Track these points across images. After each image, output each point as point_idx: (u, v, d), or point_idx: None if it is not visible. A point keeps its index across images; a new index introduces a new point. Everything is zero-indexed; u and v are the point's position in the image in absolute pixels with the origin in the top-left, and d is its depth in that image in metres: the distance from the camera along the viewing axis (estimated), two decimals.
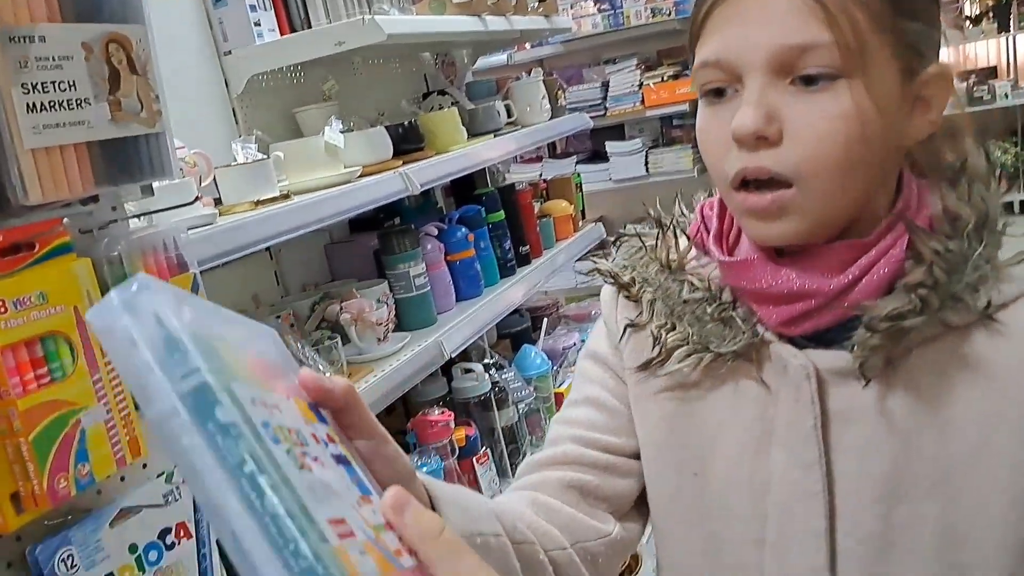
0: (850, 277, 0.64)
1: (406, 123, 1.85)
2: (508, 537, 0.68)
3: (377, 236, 1.83)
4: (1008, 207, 6.19)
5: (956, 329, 0.64)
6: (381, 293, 1.71)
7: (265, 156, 1.53)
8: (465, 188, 2.36)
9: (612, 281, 0.79)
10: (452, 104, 2.20)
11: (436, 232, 1.92)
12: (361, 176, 1.63)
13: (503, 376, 2.04)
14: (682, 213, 0.80)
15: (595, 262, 0.81)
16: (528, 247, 2.23)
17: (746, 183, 0.64)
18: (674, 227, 0.77)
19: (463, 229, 1.97)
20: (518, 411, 2.05)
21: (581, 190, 2.65)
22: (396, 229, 1.81)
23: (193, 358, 0.37)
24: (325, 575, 0.34)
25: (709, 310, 0.71)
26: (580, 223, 2.62)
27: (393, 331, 1.70)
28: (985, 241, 0.64)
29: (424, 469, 1.67)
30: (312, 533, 0.36)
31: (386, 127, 1.78)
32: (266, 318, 1.61)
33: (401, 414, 1.94)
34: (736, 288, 0.71)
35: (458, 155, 1.88)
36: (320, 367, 1.51)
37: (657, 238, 0.77)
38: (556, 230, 2.43)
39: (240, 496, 0.35)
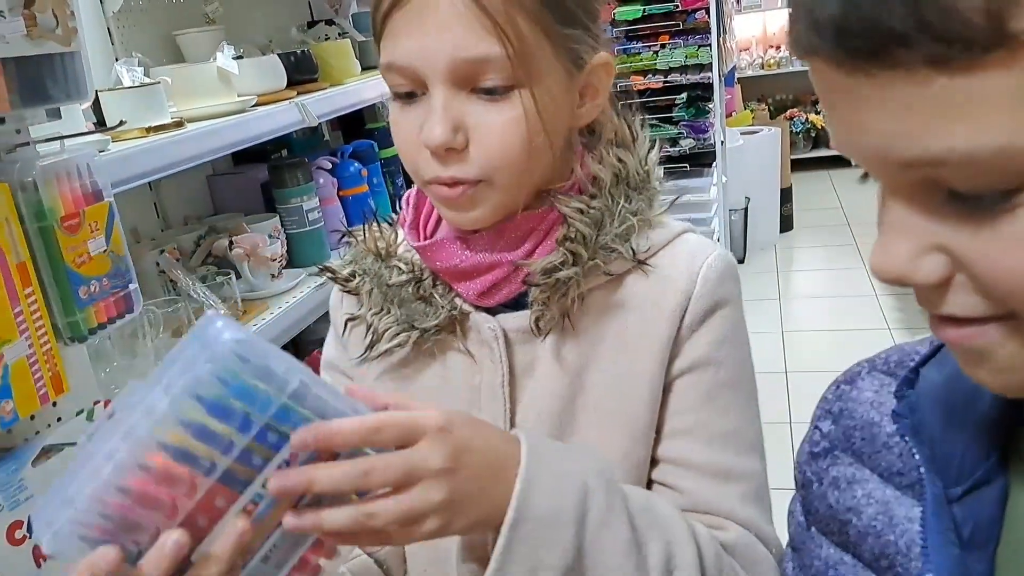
0: (527, 247, 0.71)
1: (299, 52, 1.78)
2: None
3: (268, 168, 1.76)
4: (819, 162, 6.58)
5: (617, 277, 0.72)
6: (272, 228, 1.66)
7: (155, 80, 1.44)
8: (353, 123, 2.30)
9: (332, 276, 0.81)
10: (340, 35, 2.13)
11: (329, 166, 1.87)
12: (256, 106, 1.57)
13: None
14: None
15: (322, 265, 0.83)
16: None
17: None
18: (388, 219, 0.81)
19: (356, 164, 1.93)
20: None
21: None
22: (289, 161, 1.75)
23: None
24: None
25: (411, 290, 0.75)
26: None
27: (284, 268, 1.67)
28: (630, 197, 0.72)
29: None
30: None
31: (278, 55, 1.71)
32: (149, 252, 1.53)
33: (291, 355, 1.90)
34: (434, 268, 0.75)
35: (354, 87, 1.84)
36: (213, 304, 1.47)
37: (372, 230, 0.80)
38: None
39: None
